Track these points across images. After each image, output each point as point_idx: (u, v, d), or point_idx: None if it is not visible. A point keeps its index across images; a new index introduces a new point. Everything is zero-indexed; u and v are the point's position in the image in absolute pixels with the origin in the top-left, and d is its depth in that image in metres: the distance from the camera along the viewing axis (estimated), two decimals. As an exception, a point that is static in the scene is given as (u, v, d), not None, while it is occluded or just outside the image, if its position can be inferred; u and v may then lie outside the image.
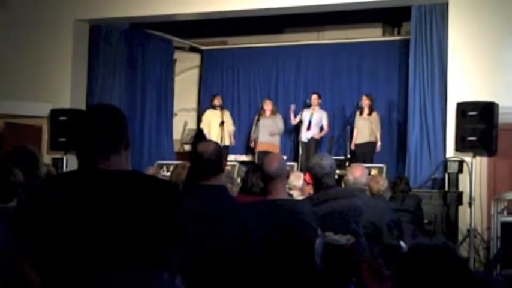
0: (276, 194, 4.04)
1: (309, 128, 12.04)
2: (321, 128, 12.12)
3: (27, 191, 3.29)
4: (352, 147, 11.69)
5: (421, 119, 10.42)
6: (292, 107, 12.44)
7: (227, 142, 12.17)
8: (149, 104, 13.19)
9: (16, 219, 2.57)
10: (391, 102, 12.70)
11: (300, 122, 12.31)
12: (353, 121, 11.86)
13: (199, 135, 13.07)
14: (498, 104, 9.26)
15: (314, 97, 12.23)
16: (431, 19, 10.40)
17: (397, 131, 12.50)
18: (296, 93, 13.61)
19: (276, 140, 12.28)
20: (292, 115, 12.36)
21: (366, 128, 11.58)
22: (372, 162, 11.09)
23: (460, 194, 9.53)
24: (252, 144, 12.54)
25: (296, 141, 12.68)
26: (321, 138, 12.26)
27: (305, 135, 12.06)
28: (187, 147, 13.92)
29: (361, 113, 11.74)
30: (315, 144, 11.99)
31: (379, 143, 11.55)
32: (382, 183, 6.82)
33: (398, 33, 13.26)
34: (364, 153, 11.44)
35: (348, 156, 11.47)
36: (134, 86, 12.91)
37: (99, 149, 2.50)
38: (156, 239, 2.43)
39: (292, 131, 13.09)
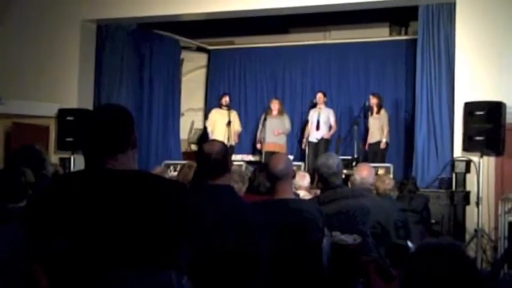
0: (283, 193, 4.05)
1: (318, 128, 12.01)
2: (330, 127, 12.09)
3: (35, 191, 3.30)
4: (366, 147, 11.69)
5: (429, 119, 10.39)
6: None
7: (233, 142, 12.17)
8: (156, 103, 13.20)
9: (25, 220, 2.57)
10: (398, 102, 12.67)
11: (307, 122, 12.29)
12: (362, 121, 11.86)
13: (204, 135, 13.07)
14: (506, 103, 9.22)
15: (319, 95, 12.23)
16: (438, 19, 10.38)
17: (404, 130, 12.48)
18: (303, 93, 13.60)
19: (283, 140, 12.26)
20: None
21: (376, 127, 11.57)
22: (384, 161, 11.06)
23: (468, 194, 9.50)
24: (258, 146, 12.51)
25: (301, 140, 12.67)
26: (330, 137, 12.22)
27: (314, 136, 12.02)
28: (194, 147, 13.93)
29: (372, 113, 11.72)
30: (325, 144, 11.96)
31: (383, 140, 11.49)
32: (388, 183, 6.82)
33: (406, 33, 13.24)
34: (376, 152, 11.42)
35: (356, 156, 11.45)
36: (141, 85, 12.92)
37: (106, 148, 2.51)
38: (163, 238, 2.43)
39: (299, 131, 13.09)
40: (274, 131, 12.07)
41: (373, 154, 11.43)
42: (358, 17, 12.29)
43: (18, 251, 2.66)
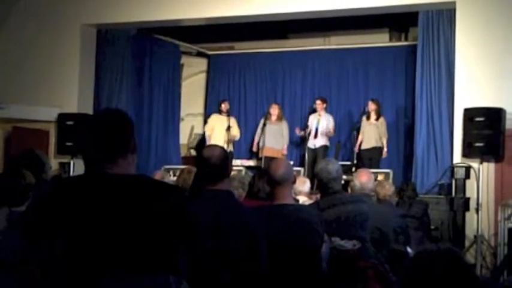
0: (282, 199, 4.04)
1: (316, 136, 11.98)
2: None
3: (34, 197, 3.30)
4: (356, 151, 11.66)
5: (428, 125, 10.39)
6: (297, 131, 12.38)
7: (231, 147, 12.16)
8: (156, 108, 13.21)
9: (25, 226, 2.57)
10: (398, 108, 12.67)
11: (307, 127, 12.27)
12: (359, 126, 11.85)
13: (202, 140, 13.07)
14: (505, 109, 9.24)
15: (318, 102, 12.18)
16: (438, 24, 10.38)
17: (404, 136, 12.46)
18: (302, 98, 13.59)
19: (281, 145, 12.25)
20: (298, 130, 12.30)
21: (372, 133, 11.54)
22: (378, 167, 11.05)
23: (467, 200, 9.49)
24: (255, 149, 12.51)
25: (301, 145, 12.67)
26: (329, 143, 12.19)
27: (312, 142, 11.99)
28: (193, 152, 13.92)
29: (368, 118, 11.70)
30: (324, 150, 11.92)
31: (385, 149, 11.50)
32: (388, 188, 6.82)
33: (405, 39, 13.24)
34: (371, 159, 11.40)
35: (355, 161, 11.44)
36: (141, 90, 12.93)
37: (106, 153, 2.51)
38: (163, 243, 2.43)
39: (298, 137, 13.08)
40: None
41: (369, 160, 11.42)
42: (358, 22, 12.30)
43: (18, 255, 2.66)
